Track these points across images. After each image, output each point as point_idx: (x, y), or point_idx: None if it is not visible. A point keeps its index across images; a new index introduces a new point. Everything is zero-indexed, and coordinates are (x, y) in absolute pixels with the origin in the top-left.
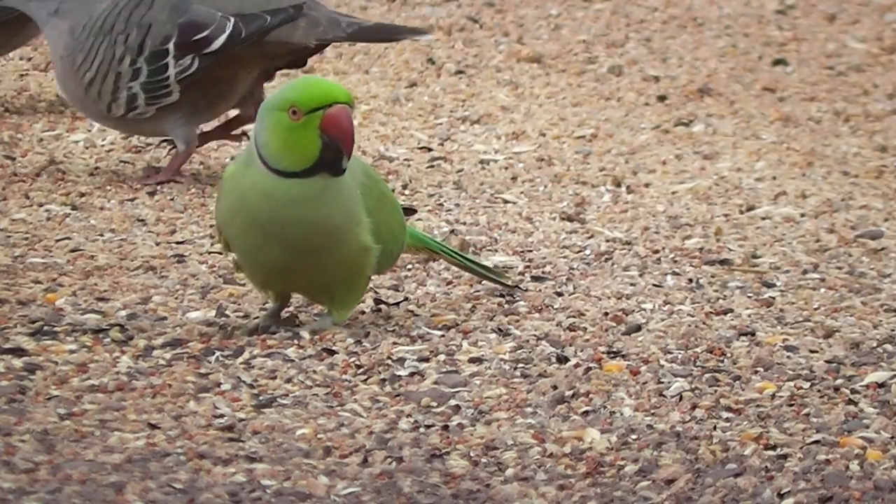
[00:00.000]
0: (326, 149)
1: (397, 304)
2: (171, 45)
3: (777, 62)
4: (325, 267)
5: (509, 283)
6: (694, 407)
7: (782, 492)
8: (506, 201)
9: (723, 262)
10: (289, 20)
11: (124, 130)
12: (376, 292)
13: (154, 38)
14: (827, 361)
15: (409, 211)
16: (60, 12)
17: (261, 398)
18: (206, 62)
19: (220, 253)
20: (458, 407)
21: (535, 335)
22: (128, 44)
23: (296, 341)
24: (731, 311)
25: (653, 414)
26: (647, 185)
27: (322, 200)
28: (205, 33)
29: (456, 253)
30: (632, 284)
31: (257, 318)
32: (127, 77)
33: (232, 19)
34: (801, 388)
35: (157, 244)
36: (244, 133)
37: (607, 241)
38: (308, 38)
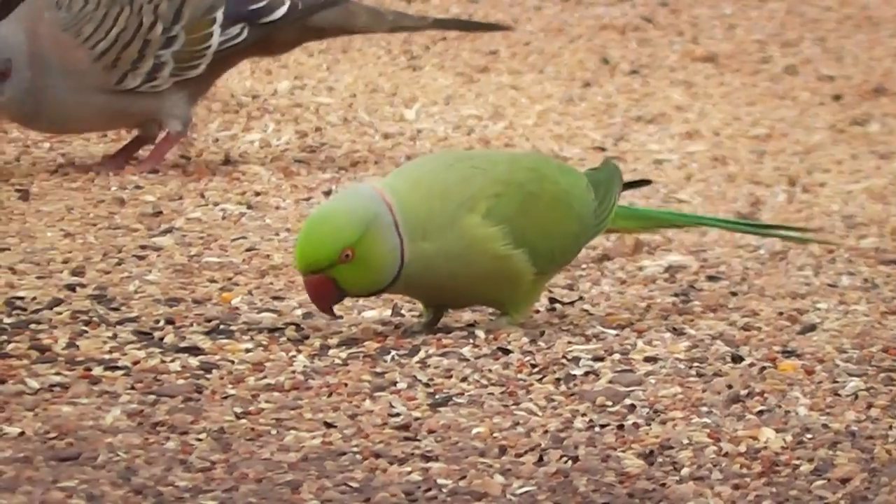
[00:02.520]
0: None
1: (572, 303)
2: (218, 14)
3: None
4: (475, 287)
5: (800, 235)
6: (869, 406)
7: None
8: (680, 200)
9: None
10: (335, 2)
11: (110, 112)
12: (551, 291)
13: (193, 7)
14: None
15: (643, 182)
16: None
17: (436, 397)
18: (258, 33)
19: None
20: (633, 406)
21: (709, 334)
22: (158, 12)
23: (471, 340)
24: None
25: (828, 413)
26: (821, 185)
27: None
28: (261, 3)
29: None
30: (806, 284)
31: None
32: (158, 45)
33: None
34: None
35: None
36: None
37: (782, 240)
38: (377, 26)
